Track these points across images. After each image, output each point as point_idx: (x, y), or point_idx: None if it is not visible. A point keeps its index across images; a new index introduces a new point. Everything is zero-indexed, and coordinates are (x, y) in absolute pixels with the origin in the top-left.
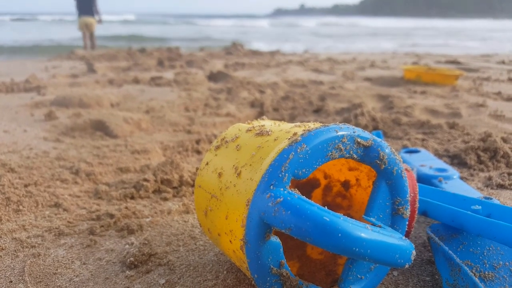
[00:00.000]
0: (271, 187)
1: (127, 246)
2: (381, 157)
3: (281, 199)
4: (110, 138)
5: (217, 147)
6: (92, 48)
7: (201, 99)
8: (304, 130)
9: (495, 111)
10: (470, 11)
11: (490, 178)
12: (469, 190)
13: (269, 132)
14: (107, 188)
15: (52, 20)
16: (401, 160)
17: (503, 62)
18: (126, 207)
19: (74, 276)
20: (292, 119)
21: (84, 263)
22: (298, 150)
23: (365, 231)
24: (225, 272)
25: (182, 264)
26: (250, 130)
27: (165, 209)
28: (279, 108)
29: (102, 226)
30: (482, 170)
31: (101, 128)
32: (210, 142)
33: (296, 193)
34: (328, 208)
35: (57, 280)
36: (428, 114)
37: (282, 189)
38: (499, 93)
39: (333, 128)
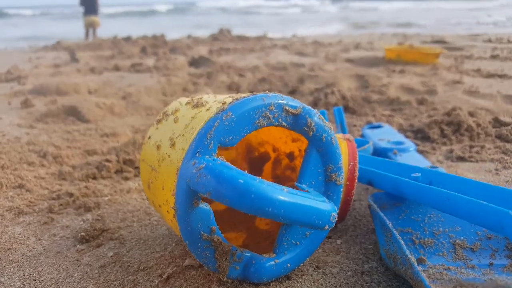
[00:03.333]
0: (197, 154)
1: (81, 222)
2: (309, 124)
3: (204, 165)
4: (82, 122)
5: (159, 121)
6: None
7: (180, 83)
8: (233, 99)
9: (470, 87)
10: None
11: (451, 151)
12: (422, 161)
13: (204, 103)
14: (71, 170)
15: (33, 15)
16: (332, 128)
17: (489, 41)
18: (86, 187)
19: (28, 251)
20: None
21: (39, 239)
22: (224, 118)
23: (280, 193)
24: (173, 244)
25: (133, 238)
26: (189, 102)
27: (125, 188)
28: (255, 91)
29: (61, 204)
30: (444, 144)
31: (73, 113)
32: None
33: (221, 159)
34: (278, 181)
35: (10, 255)
36: (402, 92)
37: (207, 156)
38: (478, 70)
39: (260, 96)
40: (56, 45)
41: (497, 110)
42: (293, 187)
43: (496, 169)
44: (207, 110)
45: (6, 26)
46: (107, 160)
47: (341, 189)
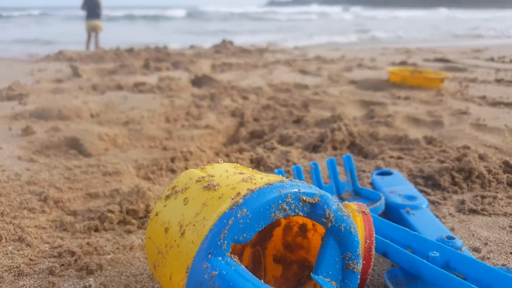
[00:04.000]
0: (209, 255)
1: None
2: (327, 215)
3: (217, 272)
4: (84, 156)
5: (167, 197)
6: (97, 47)
7: (183, 106)
8: (248, 189)
9: (477, 120)
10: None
11: (463, 202)
12: (435, 222)
13: (216, 187)
14: (72, 219)
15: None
16: (350, 215)
17: (492, 60)
18: (88, 243)
19: None
20: (272, 130)
21: None
22: (239, 215)
23: None
24: None
25: None
26: (199, 180)
27: (128, 243)
28: (260, 119)
29: (62, 265)
30: (456, 192)
31: (75, 146)
32: (186, 159)
33: (235, 261)
34: (289, 249)
35: None
36: (409, 124)
37: (220, 257)
38: (483, 97)
39: (277, 187)
40: (58, 55)
41: (506, 149)
42: (305, 255)
43: (510, 226)
44: (220, 198)
45: (8, 28)
46: (110, 211)
47: (358, 276)
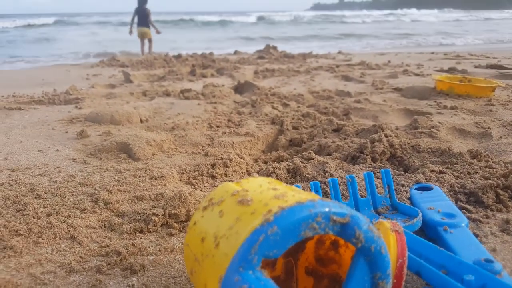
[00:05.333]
0: (240, 269)
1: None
2: (357, 236)
3: (247, 285)
4: (133, 160)
5: (205, 208)
6: (149, 53)
7: (225, 113)
8: (279, 207)
9: None
10: None
11: (507, 222)
12: (473, 243)
13: (249, 202)
14: (120, 221)
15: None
16: (381, 236)
17: None
18: (133, 244)
19: None
20: (310, 139)
21: None
22: (269, 232)
23: None
24: None
25: None
26: (234, 194)
27: (169, 246)
28: (299, 127)
29: (109, 264)
30: (500, 211)
31: (125, 150)
32: (226, 166)
33: (265, 276)
34: (321, 262)
35: None
36: (454, 135)
37: (251, 271)
38: None
39: (307, 206)
40: (112, 61)
41: None
42: (337, 270)
43: None
44: (252, 213)
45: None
46: (154, 214)
47: None
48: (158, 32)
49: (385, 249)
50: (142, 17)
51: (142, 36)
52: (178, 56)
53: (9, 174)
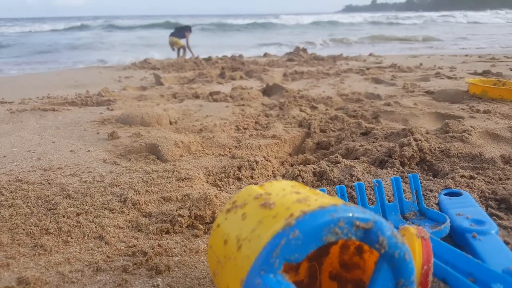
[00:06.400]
0: (262, 272)
1: None
2: (381, 242)
3: None
4: (161, 162)
5: (228, 210)
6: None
7: (253, 115)
8: (301, 211)
9: None
10: None
11: None
12: (503, 250)
13: (272, 205)
14: (147, 221)
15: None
16: (405, 243)
17: None
18: (159, 245)
19: None
20: (338, 142)
21: None
22: (291, 236)
23: None
24: None
25: None
26: (257, 198)
27: (194, 247)
28: (327, 130)
29: (135, 264)
30: None
31: (154, 151)
32: (252, 168)
33: (286, 280)
34: (345, 267)
35: None
36: (486, 140)
37: (272, 275)
38: None
39: (329, 211)
40: (144, 63)
41: None
42: (361, 275)
43: None
44: (274, 217)
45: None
46: (180, 215)
47: None
48: (192, 55)
49: (409, 255)
50: (178, 29)
51: (172, 45)
52: (208, 59)
53: (42, 174)
